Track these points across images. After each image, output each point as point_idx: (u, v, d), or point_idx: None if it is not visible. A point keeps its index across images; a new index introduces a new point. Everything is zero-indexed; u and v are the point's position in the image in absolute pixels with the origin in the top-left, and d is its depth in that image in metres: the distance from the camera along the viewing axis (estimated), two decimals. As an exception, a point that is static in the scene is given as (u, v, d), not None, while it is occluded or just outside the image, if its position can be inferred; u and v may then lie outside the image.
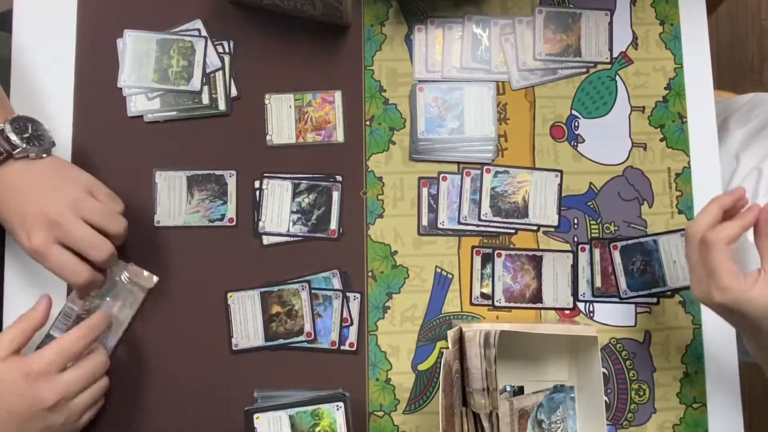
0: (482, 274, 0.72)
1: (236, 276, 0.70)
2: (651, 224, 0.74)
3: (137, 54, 0.72)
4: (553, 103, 0.75)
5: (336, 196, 0.72)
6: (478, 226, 0.73)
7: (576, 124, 0.75)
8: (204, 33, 0.73)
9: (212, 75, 0.73)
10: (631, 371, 0.72)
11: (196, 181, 0.71)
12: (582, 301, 0.73)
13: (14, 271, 0.69)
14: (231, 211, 0.71)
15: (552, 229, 0.73)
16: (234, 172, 0.72)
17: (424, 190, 0.73)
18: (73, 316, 0.67)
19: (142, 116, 0.72)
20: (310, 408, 0.64)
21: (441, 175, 0.73)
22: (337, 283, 0.71)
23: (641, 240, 0.73)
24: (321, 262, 0.71)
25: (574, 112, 0.75)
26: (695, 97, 0.76)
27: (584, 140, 0.75)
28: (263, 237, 0.71)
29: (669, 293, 0.73)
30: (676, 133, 0.76)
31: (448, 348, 0.62)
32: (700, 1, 0.78)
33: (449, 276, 0.72)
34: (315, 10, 0.71)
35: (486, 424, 0.63)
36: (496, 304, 0.72)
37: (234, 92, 0.73)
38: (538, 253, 0.73)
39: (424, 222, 0.73)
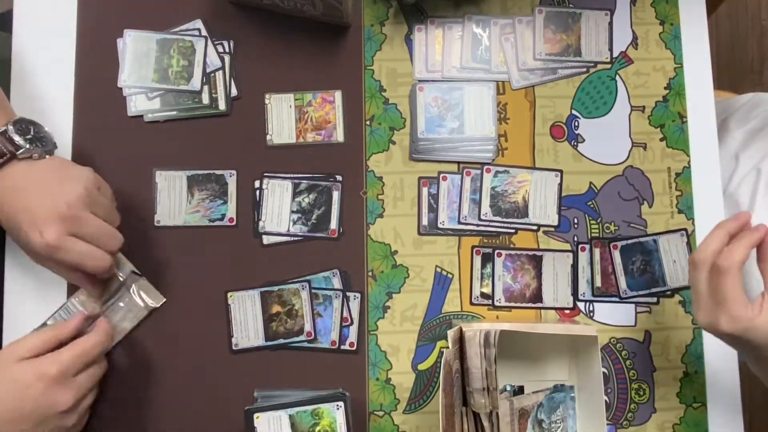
0: (482, 274, 0.72)
1: (236, 276, 0.70)
2: (651, 224, 0.74)
3: (137, 54, 0.72)
4: (553, 103, 0.75)
5: (336, 195, 0.72)
6: (478, 225, 0.73)
7: (576, 123, 0.75)
8: (204, 33, 0.73)
9: (212, 75, 0.73)
10: (631, 371, 0.72)
11: (196, 181, 0.71)
12: (582, 300, 0.73)
13: (14, 272, 0.69)
14: (231, 210, 0.71)
15: (552, 229, 0.74)
16: (234, 172, 0.72)
17: (424, 190, 0.73)
18: (75, 314, 0.67)
19: (142, 116, 0.72)
20: (310, 408, 0.64)
21: (441, 175, 0.73)
22: (337, 283, 0.71)
23: (641, 240, 0.74)
24: (321, 261, 0.71)
25: (574, 111, 0.75)
26: (695, 97, 0.76)
27: (584, 140, 0.75)
28: (263, 237, 0.71)
29: (669, 293, 0.73)
30: (676, 133, 0.76)
31: (448, 348, 0.62)
32: (700, 1, 0.78)
33: (449, 276, 0.72)
34: (315, 10, 0.71)
35: (486, 424, 0.63)
36: (496, 303, 0.72)
37: (234, 92, 0.73)
38: (538, 253, 0.73)
39: (424, 222, 0.73)
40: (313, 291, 0.70)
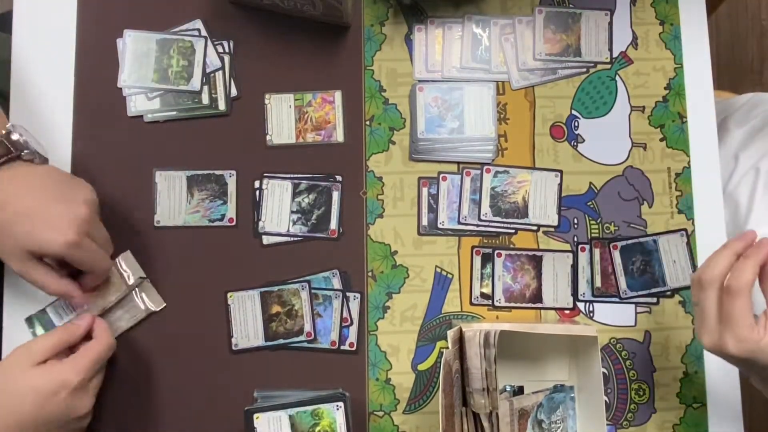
0: (482, 274, 0.72)
1: (236, 276, 0.70)
2: (651, 224, 0.74)
3: (137, 54, 0.72)
4: (553, 103, 0.75)
5: (336, 196, 0.72)
6: (478, 226, 0.73)
7: (576, 124, 0.75)
8: (204, 33, 0.73)
9: (212, 75, 0.73)
10: (631, 371, 0.72)
11: (196, 181, 0.71)
12: (582, 301, 0.73)
13: (14, 273, 0.69)
14: (231, 211, 0.71)
15: (552, 229, 0.74)
16: (234, 172, 0.72)
17: (424, 190, 0.73)
18: (83, 316, 0.67)
19: (142, 116, 0.72)
20: (310, 408, 0.64)
21: (441, 175, 0.73)
22: (337, 283, 0.71)
23: (641, 240, 0.74)
24: (321, 262, 0.71)
25: (574, 112, 0.75)
26: (695, 97, 0.76)
27: (584, 140, 0.75)
28: (263, 237, 0.71)
29: (669, 293, 0.73)
30: (676, 133, 0.76)
31: (448, 348, 0.62)
32: (700, 1, 0.78)
33: (449, 276, 0.72)
34: (315, 10, 0.71)
35: (486, 424, 0.63)
36: (496, 304, 0.72)
37: (234, 92, 0.73)
38: (538, 253, 0.73)
39: (424, 222, 0.73)
40: (312, 291, 0.70)
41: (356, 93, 0.74)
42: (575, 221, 0.74)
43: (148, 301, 0.69)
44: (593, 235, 0.74)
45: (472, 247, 0.73)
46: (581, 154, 0.75)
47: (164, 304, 0.69)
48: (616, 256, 0.73)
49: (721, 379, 0.72)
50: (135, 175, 0.71)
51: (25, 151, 0.62)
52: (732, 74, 1.69)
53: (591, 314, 0.73)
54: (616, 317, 0.73)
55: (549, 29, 0.76)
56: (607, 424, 0.69)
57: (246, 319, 0.70)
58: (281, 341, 0.70)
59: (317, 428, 0.64)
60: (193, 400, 0.69)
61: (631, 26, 0.77)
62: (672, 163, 0.75)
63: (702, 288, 0.58)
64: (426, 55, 0.75)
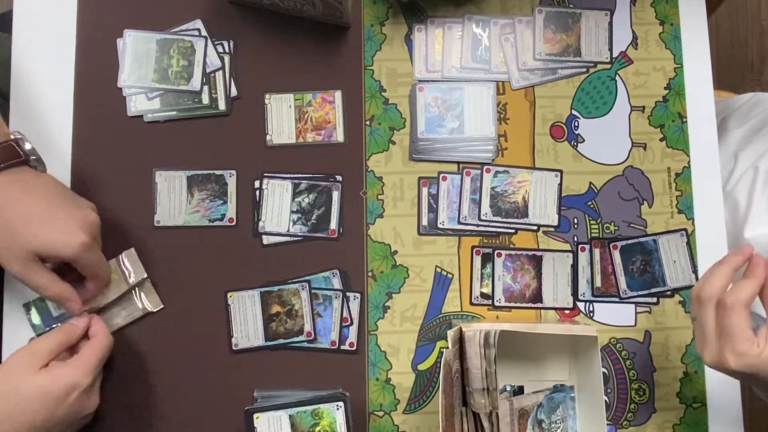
0: (482, 274, 0.72)
1: (236, 276, 0.70)
2: (651, 224, 0.74)
3: (137, 54, 0.72)
4: (553, 103, 0.75)
5: (336, 196, 0.72)
6: (478, 225, 0.73)
7: (576, 123, 0.75)
8: (204, 33, 0.73)
9: (212, 75, 0.73)
10: (631, 371, 0.72)
11: (196, 181, 0.71)
12: (582, 300, 0.73)
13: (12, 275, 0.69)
14: (231, 211, 0.71)
15: (552, 229, 0.74)
16: (234, 172, 0.72)
17: (424, 190, 0.73)
18: (82, 317, 0.67)
19: (142, 116, 0.72)
20: (310, 408, 0.64)
21: (441, 175, 0.73)
22: (337, 283, 0.71)
23: (641, 240, 0.74)
24: (321, 262, 0.71)
25: (574, 111, 0.75)
26: (695, 97, 0.76)
27: (584, 140, 0.75)
28: (263, 237, 0.71)
29: (669, 293, 0.73)
30: (676, 133, 0.76)
31: (448, 348, 0.62)
32: (700, 1, 0.78)
33: (449, 276, 0.72)
34: (315, 10, 0.71)
35: (486, 424, 0.63)
36: (496, 303, 0.72)
37: (234, 92, 0.73)
38: (538, 253, 0.73)
39: (424, 222, 0.73)
40: (312, 291, 0.70)
41: (356, 93, 0.74)
42: (575, 221, 0.74)
43: (146, 301, 0.69)
44: (593, 235, 0.74)
45: (472, 247, 0.73)
46: (581, 154, 0.75)
47: (161, 306, 0.69)
48: (616, 256, 0.73)
49: (721, 379, 0.72)
50: (135, 175, 0.71)
51: (33, 158, 0.63)
52: (732, 74, 1.69)
53: (591, 314, 0.73)
54: (616, 317, 0.73)
55: (549, 29, 0.76)
56: (607, 424, 0.69)
57: (246, 319, 0.70)
58: (281, 341, 0.70)
59: (317, 428, 0.64)
60: (193, 400, 0.68)
61: (631, 26, 0.77)
62: (672, 163, 0.75)
63: (700, 304, 0.58)
64: (426, 55, 0.75)
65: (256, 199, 0.72)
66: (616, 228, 0.74)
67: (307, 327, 0.70)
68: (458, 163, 0.74)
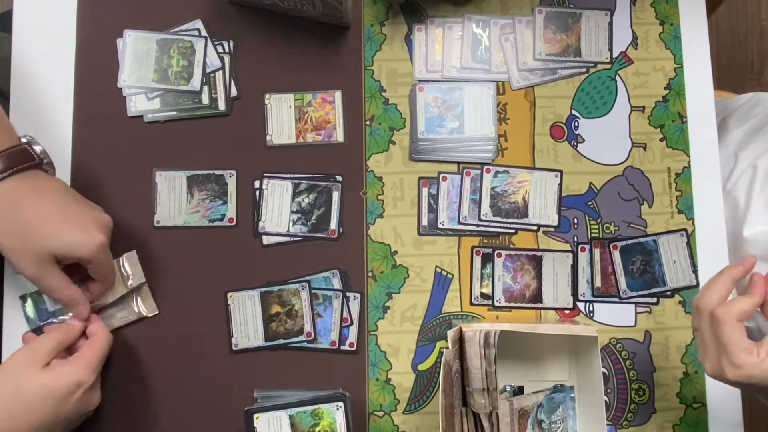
0: (482, 274, 0.72)
1: (236, 276, 0.70)
2: (651, 224, 0.74)
3: (137, 54, 0.72)
4: (553, 103, 0.75)
5: (336, 196, 0.72)
6: (478, 226, 0.73)
7: (576, 124, 0.75)
8: (204, 33, 0.73)
9: (212, 75, 0.73)
10: (631, 371, 0.72)
11: (196, 181, 0.71)
12: (582, 301, 0.73)
13: (13, 273, 0.69)
14: (231, 211, 0.71)
15: (552, 229, 0.74)
16: (234, 172, 0.72)
17: (424, 190, 0.73)
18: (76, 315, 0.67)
19: (142, 116, 0.72)
20: (310, 408, 0.64)
21: (441, 175, 0.73)
22: (337, 283, 0.71)
23: (641, 240, 0.73)
24: (321, 262, 0.71)
25: (574, 112, 0.75)
26: (695, 97, 0.76)
27: (584, 140, 0.75)
28: (263, 237, 0.71)
29: (669, 293, 0.73)
30: (676, 133, 0.76)
31: (448, 348, 0.62)
32: (700, 1, 0.78)
33: (449, 276, 0.72)
34: (315, 10, 0.71)
35: (486, 424, 0.63)
36: (496, 304, 0.72)
37: (234, 92, 0.73)
38: (538, 253, 0.73)
39: (424, 222, 0.73)
40: (312, 291, 0.70)
41: (356, 93, 0.74)
42: (575, 221, 0.74)
43: (142, 306, 0.69)
44: (593, 235, 0.74)
45: (472, 247, 0.73)
46: (581, 154, 0.75)
47: (157, 311, 0.69)
48: (616, 256, 0.73)
49: (721, 379, 0.72)
50: (135, 175, 0.71)
51: (45, 160, 0.63)
52: (732, 74, 1.69)
53: (591, 314, 0.73)
54: (616, 317, 0.73)
55: (549, 29, 0.76)
56: (607, 424, 0.69)
57: (246, 319, 0.70)
58: (281, 341, 0.70)
59: (317, 428, 0.64)
60: (193, 400, 0.68)
61: (631, 26, 0.77)
62: (672, 163, 0.75)
63: (699, 314, 0.58)
64: (426, 55, 0.75)
65: (256, 199, 0.72)
66: (616, 228, 0.74)
67: (307, 327, 0.70)
68: (458, 163, 0.74)
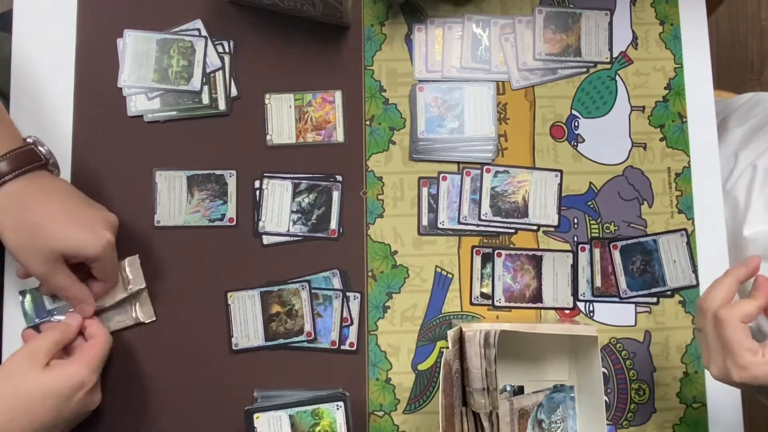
0: (482, 274, 0.72)
1: (236, 276, 0.70)
2: (651, 224, 0.74)
3: (137, 54, 0.72)
4: (553, 103, 0.75)
5: (336, 196, 0.72)
6: (478, 225, 0.73)
7: (576, 123, 0.75)
8: (204, 33, 0.73)
9: (212, 75, 0.73)
10: (631, 371, 0.72)
11: (196, 181, 0.71)
12: (582, 300, 0.73)
13: (13, 271, 0.69)
14: (231, 211, 0.71)
15: (552, 229, 0.74)
16: (234, 172, 0.72)
17: (424, 190, 0.73)
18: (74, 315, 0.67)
19: (142, 116, 0.72)
20: (310, 408, 0.64)
21: (441, 175, 0.73)
22: (337, 283, 0.71)
23: (641, 240, 0.74)
24: (321, 261, 0.71)
25: (574, 111, 0.75)
26: (695, 97, 0.76)
27: (584, 140, 0.75)
28: (263, 237, 0.71)
29: (669, 293, 0.73)
30: (676, 133, 0.76)
31: (448, 348, 0.62)
32: (700, 1, 0.78)
33: (449, 276, 0.72)
34: (315, 10, 0.71)
35: (486, 424, 0.63)
36: (496, 303, 0.72)
37: (234, 92, 0.73)
38: (538, 253, 0.73)
39: (424, 222, 0.73)
40: (313, 291, 0.70)
41: (356, 93, 0.74)
42: (575, 221, 0.74)
43: (139, 312, 0.69)
44: (593, 235, 0.74)
45: (472, 247, 0.73)
46: (581, 154, 0.75)
47: (154, 318, 0.69)
48: (616, 255, 0.73)
49: (721, 379, 0.72)
50: (135, 175, 0.71)
51: (51, 161, 0.63)
52: (732, 74, 1.69)
53: (591, 314, 0.73)
54: (616, 317, 0.73)
55: (549, 29, 0.76)
56: (607, 424, 0.69)
57: (246, 319, 0.70)
58: (281, 341, 0.70)
59: (317, 428, 0.64)
60: (193, 400, 0.69)
61: (631, 26, 0.77)
62: (672, 163, 0.75)
63: (703, 315, 0.58)
64: (426, 55, 0.75)
65: (256, 199, 0.72)
66: (616, 228, 0.74)
67: (307, 327, 0.70)
68: (458, 163, 0.74)
